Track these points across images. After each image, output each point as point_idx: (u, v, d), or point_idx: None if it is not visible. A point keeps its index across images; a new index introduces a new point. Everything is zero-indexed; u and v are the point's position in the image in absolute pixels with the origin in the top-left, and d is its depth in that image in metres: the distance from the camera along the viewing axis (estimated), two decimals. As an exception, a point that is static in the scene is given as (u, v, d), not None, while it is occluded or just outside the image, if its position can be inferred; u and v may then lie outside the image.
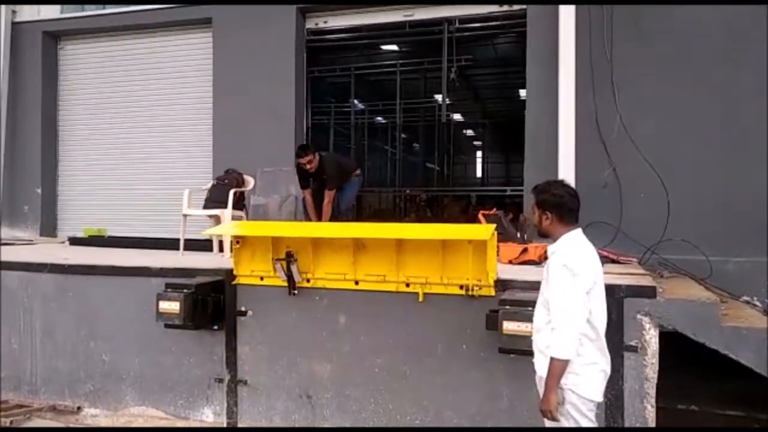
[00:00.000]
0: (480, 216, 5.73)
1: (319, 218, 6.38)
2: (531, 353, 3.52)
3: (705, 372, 4.12)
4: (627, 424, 3.81)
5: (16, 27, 8.24)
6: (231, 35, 7.33)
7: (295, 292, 4.47)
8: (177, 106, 7.91)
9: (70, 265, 5.23)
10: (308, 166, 6.21)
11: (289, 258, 4.38)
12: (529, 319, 3.51)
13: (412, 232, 4.35)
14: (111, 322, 5.03)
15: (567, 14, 5.71)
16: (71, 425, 5.01)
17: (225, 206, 5.79)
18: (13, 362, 5.35)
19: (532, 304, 3.60)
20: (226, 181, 6.17)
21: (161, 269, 4.90)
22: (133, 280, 4.97)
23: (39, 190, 8.28)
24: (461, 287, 4.09)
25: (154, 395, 4.92)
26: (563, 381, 2.74)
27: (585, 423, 2.78)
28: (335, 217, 6.42)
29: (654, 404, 3.78)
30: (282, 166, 6.66)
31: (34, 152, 8.27)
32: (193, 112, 7.80)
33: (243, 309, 4.67)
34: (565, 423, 2.78)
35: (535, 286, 3.97)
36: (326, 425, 4.46)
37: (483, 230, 4.13)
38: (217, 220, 5.93)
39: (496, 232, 4.12)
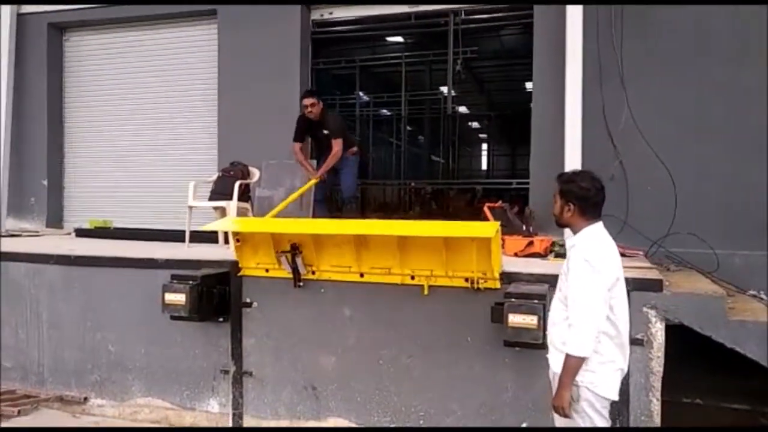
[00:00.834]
0: (485, 209, 5.71)
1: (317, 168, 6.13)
2: (536, 346, 3.52)
3: (711, 366, 4.10)
4: (632, 417, 3.80)
5: (21, 18, 8.23)
6: (236, 27, 7.31)
7: (301, 284, 4.47)
8: (182, 98, 7.91)
9: (77, 256, 5.25)
10: (311, 110, 5.96)
11: (294, 250, 4.37)
12: (534, 311, 3.52)
13: (415, 229, 4.27)
14: (117, 313, 5.06)
15: (574, 9, 5.66)
16: (77, 415, 5.06)
17: (230, 198, 5.80)
18: (21, 353, 5.39)
19: (538, 297, 3.61)
20: (232, 173, 6.15)
21: (167, 261, 4.91)
22: (139, 271, 4.99)
23: (45, 182, 8.31)
24: (466, 280, 4.06)
25: (160, 386, 4.95)
26: (579, 378, 2.69)
27: (599, 421, 2.74)
28: (338, 207, 6.27)
29: (659, 398, 3.77)
30: (287, 158, 6.64)
31: (40, 144, 8.29)
32: (199, 104, 7.80)
33: (248, 301, 4.68)
34: (578, 420, 2.74)
35: (540, 278, 3.99)
36: (331, 417, 4.47)
37: (487, 228, 4.03)
38: (222, 212, 5.93)
39: (500, 228, 4.05)
